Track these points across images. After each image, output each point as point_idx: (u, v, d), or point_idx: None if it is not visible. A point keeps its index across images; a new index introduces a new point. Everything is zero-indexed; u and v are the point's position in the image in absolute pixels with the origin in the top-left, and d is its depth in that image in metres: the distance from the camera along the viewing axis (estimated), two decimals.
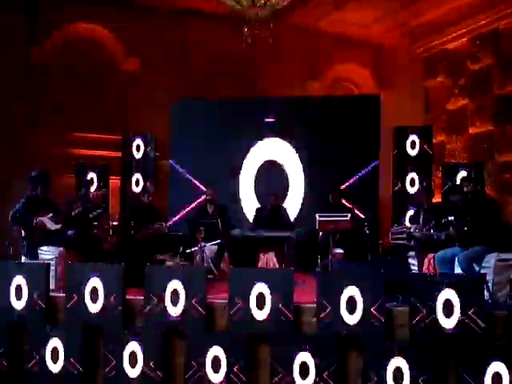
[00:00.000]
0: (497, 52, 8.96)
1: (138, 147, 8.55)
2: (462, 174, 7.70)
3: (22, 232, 5.78)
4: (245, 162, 8.89)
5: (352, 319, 4.34)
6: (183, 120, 8.95)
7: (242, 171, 8.89)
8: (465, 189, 5.57)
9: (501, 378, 4.04)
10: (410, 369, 4.19)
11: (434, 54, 10.22)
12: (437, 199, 7.74)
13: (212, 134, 8.81)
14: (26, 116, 8.95)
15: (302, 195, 8.72)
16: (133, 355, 4.60)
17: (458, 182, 7.42)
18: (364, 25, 10.58)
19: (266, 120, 8.69)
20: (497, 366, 4.05)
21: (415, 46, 10.43)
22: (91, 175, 8.13)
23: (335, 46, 10.85)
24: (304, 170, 8.78)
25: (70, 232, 5.96)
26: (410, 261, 6.07)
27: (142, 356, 4.58)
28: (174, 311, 4.60)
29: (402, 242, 6.28)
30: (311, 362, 4.34)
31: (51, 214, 5.77)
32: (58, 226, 5.76)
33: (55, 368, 4.71)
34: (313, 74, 10.85)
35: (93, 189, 7.17)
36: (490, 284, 4.79)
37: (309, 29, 10.58)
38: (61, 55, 9.35)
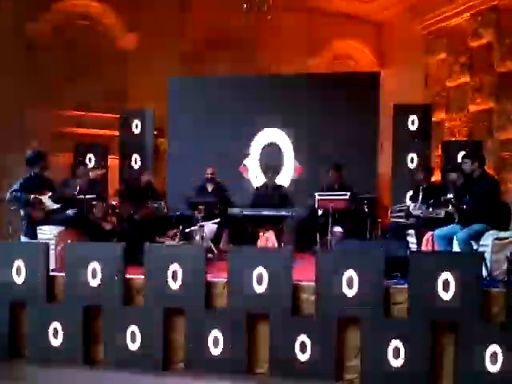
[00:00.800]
0: (497, 29, 8.85)
1: (136, 125, 8.50)
2: (462, 151, 7.68)
3: (21, 212, 5.76)
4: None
5: (351, 297, 4.37)
6: (182, 97, 8.89)
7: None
8: (464, 166, 5.55)
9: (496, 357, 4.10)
10: (408, 344, 4.24)
11: (434, 30, 10.11)
12: (436, 177, 7.74)
13: (211, 111, 8.77)
14: (24, 94, 8.87)
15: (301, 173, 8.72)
16: (133, 332, 4.65)
17: (458, 160, 7.39)
18: (364, 1, 10.46)
19: None
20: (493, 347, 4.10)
21: (416, 22, 10.31)
22: (89, 154, 8.12)
23: (335, 22, 10.73)
24: (303, 148, 8.75)
25: (69, 211, 5.95)
26: (409, 239, 6.09)
27: (141, 333, 4.63)
28: (174, 289, 4.62)
29: (401, 220, 6.29)
30: (310, 340, 4.39)
31: (50, 193, 5.76)
32: (58, 206, 5.75)
33: (56, 347, 4.76)
34: (313, 51, 10.74)
35: (91, 168, 7.14)
36: (488, 262, 4.80)
37: (309, 5, 10.45)
38: (57, 32, 9.24)
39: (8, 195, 5.68)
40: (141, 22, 9.38)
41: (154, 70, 9.09)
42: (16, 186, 5.71)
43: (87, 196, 6.06)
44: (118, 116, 8.74)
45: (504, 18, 8.83)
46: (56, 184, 6.02)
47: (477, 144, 7.89)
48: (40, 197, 5.68)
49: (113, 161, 8.73)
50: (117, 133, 8.75)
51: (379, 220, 7.12)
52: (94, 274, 4.75)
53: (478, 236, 5.13)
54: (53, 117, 8.96)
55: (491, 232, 5.05)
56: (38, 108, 8.88)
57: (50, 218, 5.70)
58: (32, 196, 5.62)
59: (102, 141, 8.62)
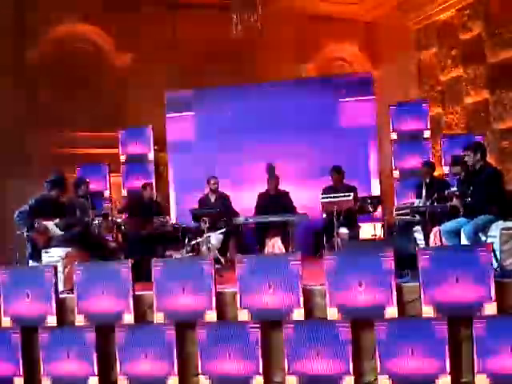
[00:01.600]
0: (486, 20, 8.89)
1: (136, 142, 8.55)
2: (461, 144, 7.67)
3: (25, 234, 5.71)
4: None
5: (363, 298, 4.35)
6: (180, 111, 8.95)
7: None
8: (466, 158, 5.53)
9: None
10: (422, 343, 4.21)
11: (424, 26, 10.13)
12: (438, 172, 7.73)
13: (209, 123, 8.82)
14: (24, 118, 8.90)
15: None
16: (146, 350, 4.62)
17: (459, 153, 7.39)
18: (352, 2, 10.49)
19: None
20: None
21: (405, 18, 10.34)
22: (91, 174, 8.16)
23: (325, 25, 10.75)
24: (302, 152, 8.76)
25: (73, 231, 5.89)
26: (416, 235, 6.07)
27: (154, 349, 4.60)
28: (185, 302, 4.61)
29: (406, 217, 6.27)
30: (324, 344, 4.36)
31: (58, 220, 5.69)
32: (61, 233, 5.68)
33: (70, 369, 4.73)
34: (305, 56, 10.77)
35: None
36: (497, 253, 4.78)
37: (297, 10, 10.48)
38: (54, 55, 9.29)
39: (15, 216, 5.65)
40: (135, 40, 9.43)
41: (152, 86, 9.14)
42: (24, 208, 5.68)
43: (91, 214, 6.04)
44: (118, 134, 8.77)
45: (491, 9, 8.85)
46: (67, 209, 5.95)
47: (476, 136, 7.90)
48: (46, 222, 5.63)
49: (115, 178, 8.75)
50: (118, 150, 8.77)
51: (385, 218, 7.11)
52: (104, 293, 4.73)
53: (484, 228, 5.11)
54: (53, 138, 8.98)
55: (498, 223, 5.04)
56: (37, 130, 8.92)
57: (55, 240, 5.66)
58: (37, 221, 5.58)
59: (104, 159, 8.64)
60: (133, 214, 6.85)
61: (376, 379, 4.32)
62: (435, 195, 5.94)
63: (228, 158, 8.76)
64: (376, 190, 8.33)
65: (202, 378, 4.55)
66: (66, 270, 5.34)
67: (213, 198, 7.51)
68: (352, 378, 4.31)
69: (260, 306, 4.50)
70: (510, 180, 7.94)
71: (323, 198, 6.73)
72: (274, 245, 6.82)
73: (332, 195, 6.74)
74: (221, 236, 6.89)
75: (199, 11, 9.64)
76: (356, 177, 7.96)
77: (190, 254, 6.38)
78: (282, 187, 7.70)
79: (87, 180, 7.32)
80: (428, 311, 4.26)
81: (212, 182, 7.53)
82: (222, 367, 4.52)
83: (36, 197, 5.82)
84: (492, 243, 4.63)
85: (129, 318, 4.69)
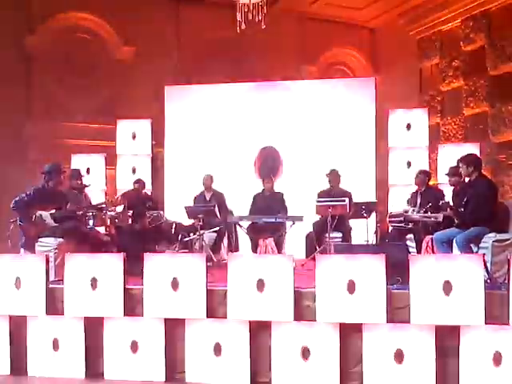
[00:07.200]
0: (489, 33, 8.93)
1: (134, 136, 8.52)
2: (458, 155, 7.70)
3: (18, 223, 5.69)
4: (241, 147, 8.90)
5: (352, 303, 4.36)
6: (178, 106, 8.95)
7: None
8: (461, 170, 5.56)
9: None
10: (411, 352, 4.23)
11: (427, 35, 10.18)
12: (433, 181, 7.75)
13: (207, 120, 8.83)
14: (23, 106, 8.88)
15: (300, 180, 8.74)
16: (134, 344, 4.63)
17: (455, 163, 7.41)
18: (357, 8, 10.53)
19: None
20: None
21: (409, 28, 10.38)
22: (87, 165, 8.12)
23: (329, 29, 10.80)
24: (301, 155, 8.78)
25: (67, 223, 5.89)
26: (409, 243, 6.09)
27: (142, 344, 4.61)
28: (175, 298, 4.61)
29: (399, 224, 6.29)
30: (312, 347, 4.38)
31: (53, 210, 5.69)
32: (55, 224, 5.67)
33: (57, 360, 4.73)
34: (307, 59, 10.80)
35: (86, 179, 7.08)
36: (488, 264, 4.81)
37: (302, 13, 10.52)
38: (55, 45, 9.27)
39: (12, 204, 5.64)
40: (138, 34, 9.43)
41: (152, 81, 9.14)
42: (21, 197, 5.66)
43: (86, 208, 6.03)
44: (116, 126, 8.75)
45: (495, 22, 8.90)
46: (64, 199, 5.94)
47: (472, 148, 7.92)
48: (41, 212, 5.62)
49: (110, 171, 8.73)
50: (115, 143, 8.75)
51: (378, 225, 7.12)
52: (94, 286, 4.73)
53: (477, 239, 5.14)
54: (52, 128, 8.97)
55: (490, 234, 5.07)
56: (37, 120, 8.89)
57: (48, 230, 5.65)
58: (35, 213, 5.57)
59: (101, 151, 8.62)
60: (126, 208, 6.84)
61: None
62: (429, 204, 5.96)
63: (225, 155, 8.77)
64: (371, 197, 8.35)
65: (188, 374, 4.56)
66: (58, 260, 5.33)
67: (208, 196, 7.51)
68: (338, 382, 4.32)
69: (249, 306, 4.50)
70: (504, 193, 7.98)
71: (318, 201, 6.74)
72: (267, 245, 6.83)
73: (327, 199, 6.75)
74: (214, 234, 6.89)
75: (202, 8, 9.66)
76: (352, 182, 7.97)
77: (183, 251, 6.37)
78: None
79: (82, 172, 7.32)
80: (417, 318, 4.27)
81: (205, 179, 7.52)
82: (208, 365, 4.53)
83: (34, 187, 5.81)
84: (483, 254, 4.66)
85: (118, 311, 4.68)
